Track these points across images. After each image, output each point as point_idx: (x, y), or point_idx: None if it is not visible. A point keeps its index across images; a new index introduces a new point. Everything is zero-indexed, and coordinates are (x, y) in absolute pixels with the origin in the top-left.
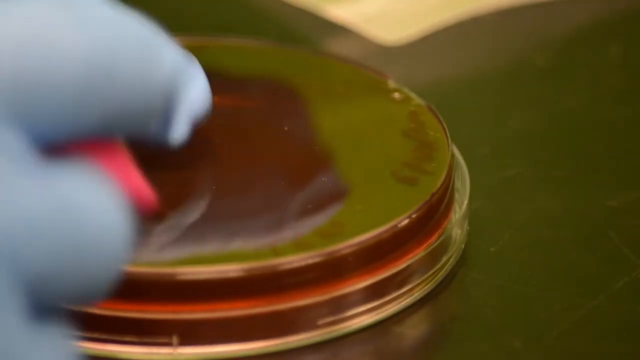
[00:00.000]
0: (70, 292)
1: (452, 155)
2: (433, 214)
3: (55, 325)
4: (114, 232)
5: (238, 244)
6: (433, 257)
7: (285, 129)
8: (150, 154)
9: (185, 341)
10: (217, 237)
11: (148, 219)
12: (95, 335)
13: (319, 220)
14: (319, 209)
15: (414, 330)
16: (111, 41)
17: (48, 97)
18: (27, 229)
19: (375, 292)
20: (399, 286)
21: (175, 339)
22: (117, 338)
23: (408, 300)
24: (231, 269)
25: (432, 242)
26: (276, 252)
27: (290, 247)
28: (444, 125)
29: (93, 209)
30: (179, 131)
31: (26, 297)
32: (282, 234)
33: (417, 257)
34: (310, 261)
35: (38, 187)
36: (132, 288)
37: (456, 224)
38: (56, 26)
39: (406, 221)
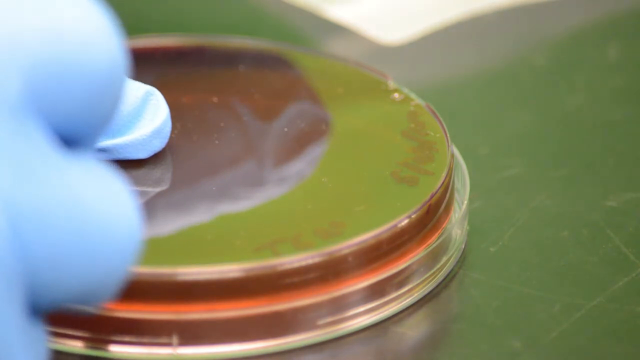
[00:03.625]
0: (74, 291)
1: (452, 155)
2: (433, 214)
3: (40, 326)
4: (123, 230)
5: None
6: (433, 257)
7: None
8: None
9: (185, 341)
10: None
11: None
12: (95, 336)
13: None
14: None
15: (414, 331)
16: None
17: (73, 91)
18: (37, 221)
19: (375, 292)
20: (399, 286)
21: (175, 339)
22: (117, 338)
23: (408, 300)
24: (231, 269)
25: (432, 242)
26: (276, 251)
27: (290, 247)
28: (444, 125)
29: (105, 205)
30: None
31: (25, 293)
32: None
33: (417, 257)
34: (310, 261)
35: (55, 177)
36: (132, 288)
37: (456, 224)
38: (90, 19)
39: (406, 221)
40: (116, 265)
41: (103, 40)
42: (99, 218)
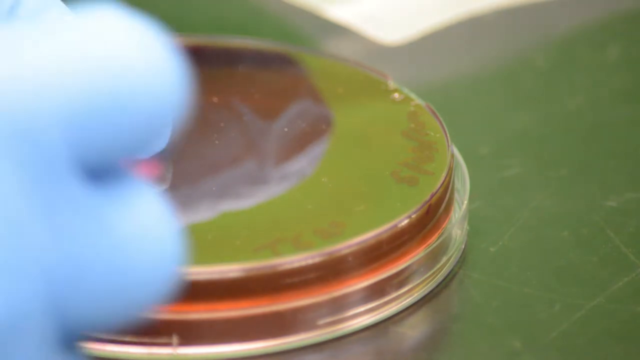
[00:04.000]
0: (104, 323)
1: (452, 155)
2: (433, 214)
3: (76, 354)
4: (161, 270)
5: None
6: (433, 257)
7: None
8: None
9: (185, 341)
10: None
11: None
12: (95, 336)
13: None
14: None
15: (414, 331)
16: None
17: (115, 135)
18: (75, 279)
19: (375, 292)
20: (399, 286)
21: (175, 339)
22: (117, 338)
23: (408, 300)
24: (231, 269)
25: (432, 242)
26: (276, 251)
27: (290, 247)
28: (444, 125)
29: (144, 245)
30: None
31: (59, 326)
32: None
33: (417, 257)
34: (310, 261)
35: (92, 227)
36: None
37: (456, 224)
38: (132, 49)
39: (406, 221)
40: (149, 299)
41: (157, 78)
42: (137, 260)
